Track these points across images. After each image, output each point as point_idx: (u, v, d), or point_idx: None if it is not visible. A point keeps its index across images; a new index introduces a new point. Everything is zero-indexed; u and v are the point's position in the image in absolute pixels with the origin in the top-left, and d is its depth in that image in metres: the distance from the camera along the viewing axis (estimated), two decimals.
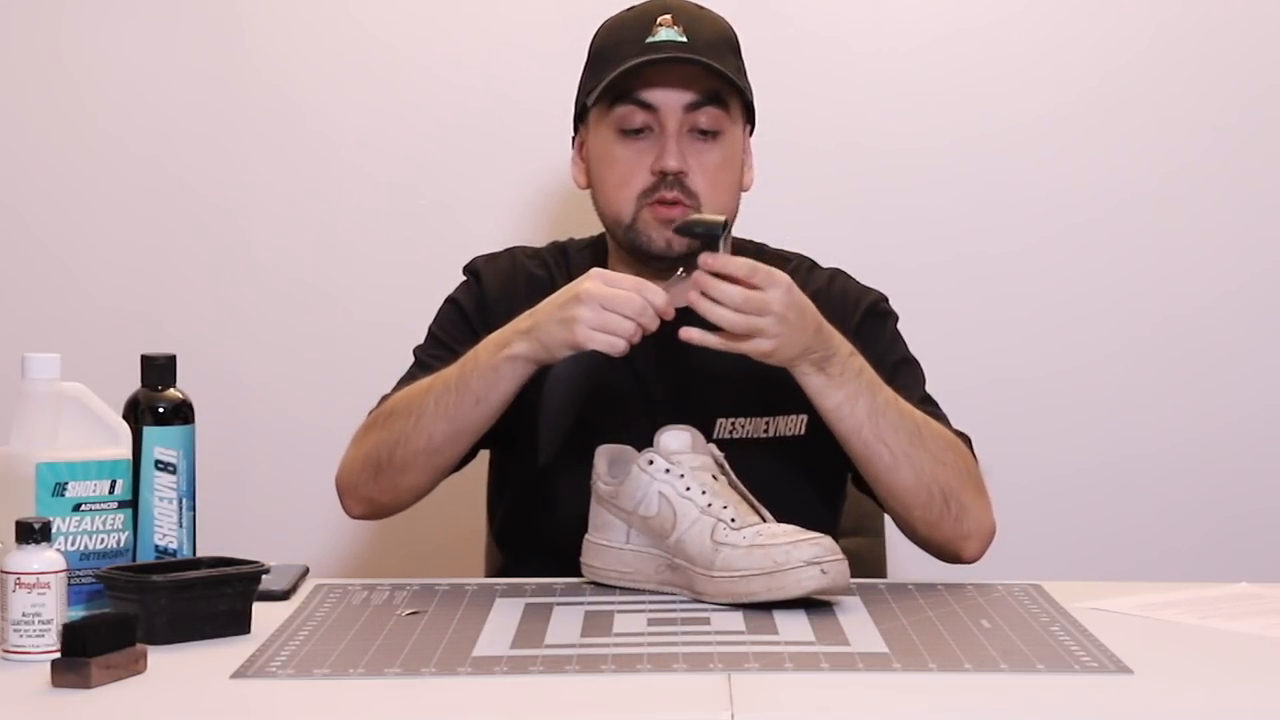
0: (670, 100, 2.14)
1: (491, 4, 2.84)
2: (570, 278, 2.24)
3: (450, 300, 2.28)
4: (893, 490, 2.06)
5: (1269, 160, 2.84)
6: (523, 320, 2.02)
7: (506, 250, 2.32)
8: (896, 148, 2.84)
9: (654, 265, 2.17)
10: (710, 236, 1.96)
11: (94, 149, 2.85)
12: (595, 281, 1.98)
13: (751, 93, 2.20)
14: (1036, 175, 2.84)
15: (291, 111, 2.85)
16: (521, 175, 2.84)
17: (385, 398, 2.21)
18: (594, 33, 2.23)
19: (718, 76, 2.13)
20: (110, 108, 2.85)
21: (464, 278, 2.30)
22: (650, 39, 2.14)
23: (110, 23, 2.84)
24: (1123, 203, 2.85)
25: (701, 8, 2.21)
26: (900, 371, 2.19)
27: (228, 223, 2.86)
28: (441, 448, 2.09)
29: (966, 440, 2.16)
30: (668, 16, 2.15)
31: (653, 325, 1.97)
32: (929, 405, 2.18)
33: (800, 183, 2.79)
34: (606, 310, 1.96)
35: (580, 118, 2.23)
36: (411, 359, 2.25)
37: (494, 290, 2.25)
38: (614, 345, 1.95)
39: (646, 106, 2.14)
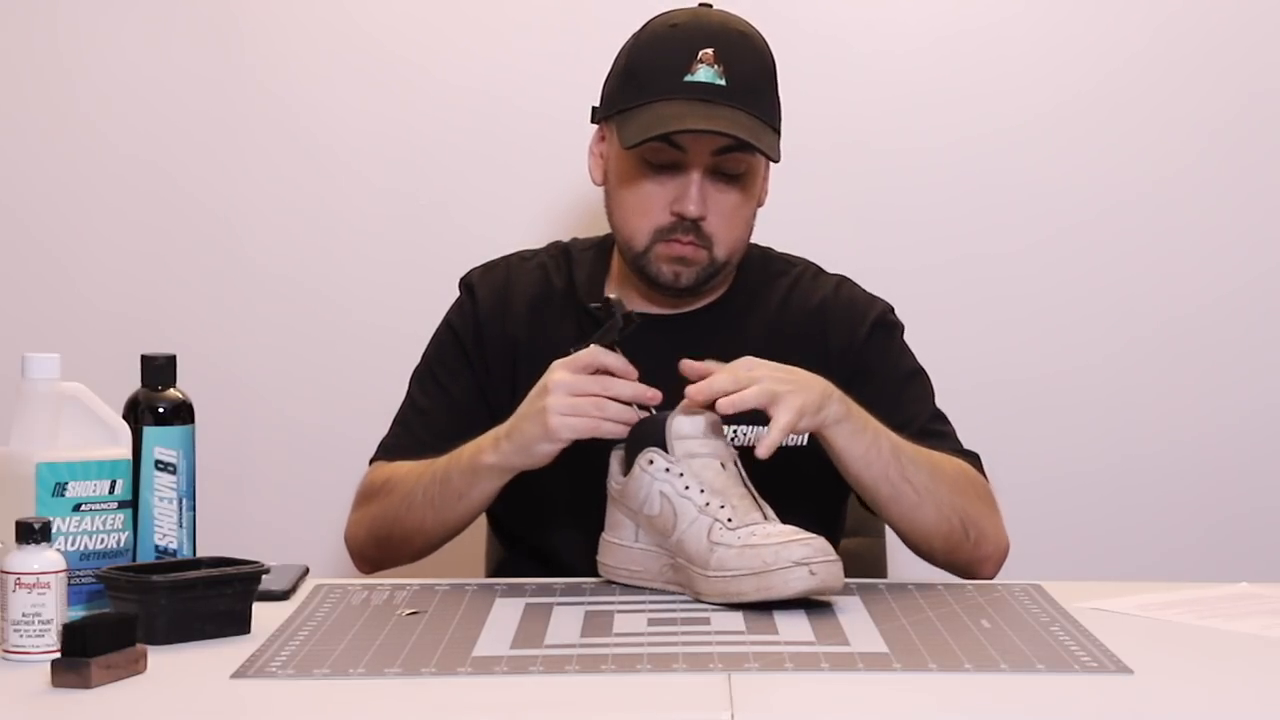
0: (700, 144, 2.12)
1: (490, 6, 2.84)
2: (572, 281, 2.24)
3: (446, 325, 2.28)
4: (917, 526, 2.07)
5: (1269, 161, 2.84)
6: (505, 426, 2.02)
7: (503, 260, 2.31)
8: (896, 148, 2.84)
9: (659, 291, 2.17)
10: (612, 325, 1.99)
11: (93, 152, 2.85)
12: (560, 371, 1.97)
13: (780, 123, 2.18)
14: (1036, 176, 2.84)
15: (288, 114, 2.85)
16: (519, 178, 2.84)
17: (383, 446, 2.23)
18: (632, 37, 2.20)
19: (751, 126, 2.11)
20: (109, 111, 2.85)
21: (459, 290, 2.30)
22: (689, 77, 2.11)
23: (108, 27, 2.84)
24: (1122, 203, 2.85)
25: (744, 33, 2.17)
26: (911, 385, 2.19)
27: (227, 224, 2.86)
28: (434, 534, 2.13)
29: (975, 458, 2.16)
30: (709, 52, 2.12)
31: (632, 394, 1.95)
32: (939, 422, 2.19)
33: (799, 183, 2.78)
34: (575, 396, 1.95)
35: (603, 115, 2.21)
36: (407, 382, 2.26)
37: (487, 307, 2.25)
38: (579, 429, 1.94)
39: (675, 146, 2.12)
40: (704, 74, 2.12)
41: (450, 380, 2.23)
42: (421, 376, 2.27)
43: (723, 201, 2.14)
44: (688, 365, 1.96)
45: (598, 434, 1.95)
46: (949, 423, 2.21)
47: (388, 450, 2.23)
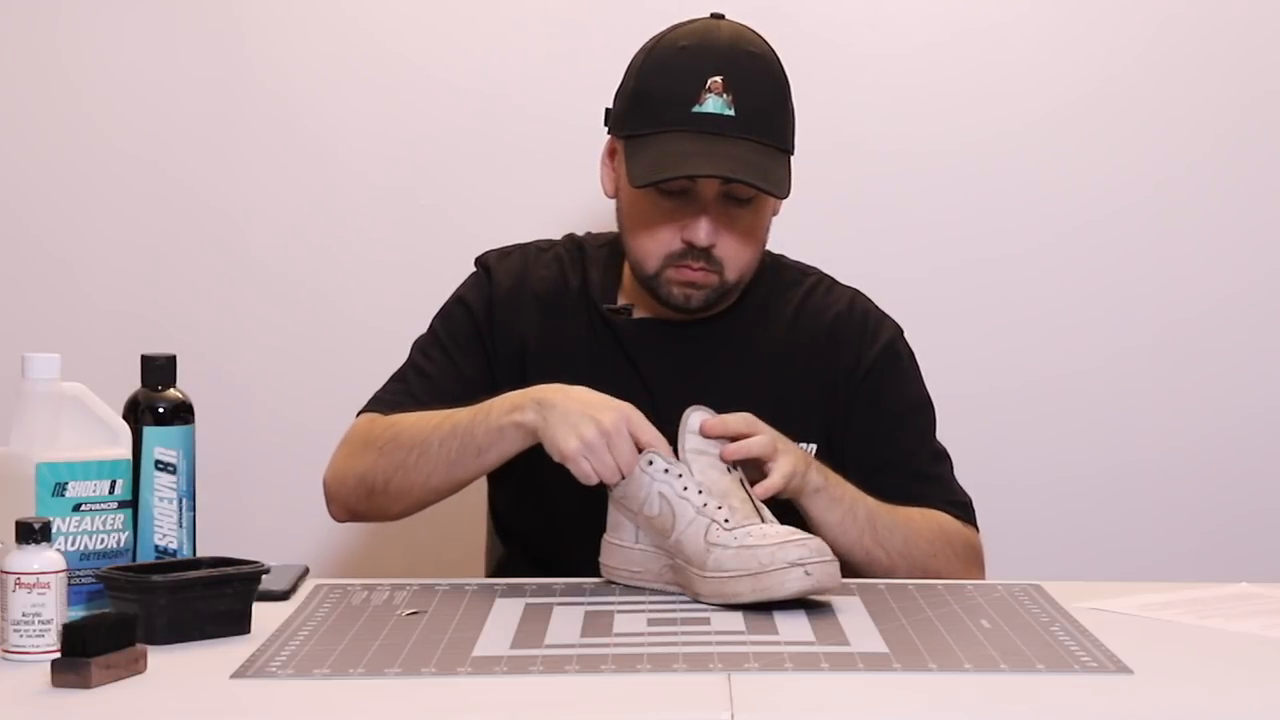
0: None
1: (491, 7, 2.84)
2: (586, 279, 2.24)
3: (459, 299, 2.27)
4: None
5: (1271, 163, 2.84)
6: (550, 391, 2.00)
7: (519, 249, 2.30)
8: (897, 150, 2.83)
9: (668, 308, 2.17)
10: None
11: (94, 151, 2.85)
12: (621, 422, 1.94)
13: (793, 139, 2.17)
14: (1037, 179, 2.84)
15: (289, 114, 2.85)
16: (521, 179, 2.84)
17: (376, 398, 2.20)
18: (642, 53, 2.18)
19: (758, 160, 2.11)
20: (109, 110, 2.85)
21: (474, 269, 2.29)
22: (697, 108, 2.10)
23: (109, 26, 2.84)
24: (1124, 206, 2.84)
25: (752, 54, 2.15)
26: (911, 420, 2.20)
27: (228, 224, 2.86)
28: (439, 488, 2.10)
29: (965, 507, 2.17)
30: (718, 81, 2.11)
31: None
32: (936, 464, 2.19)
33: (799, 185, 2.78)
34: (608, 452, 1.93)
35: (612, 127, 2.19)
36: (411, 350, 2.25)
37: (503, 290, 2.24)
38: (589, 478, 1.94)
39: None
40: (712, 104, 2.11)
41: (458, 351, 2.22)
42: (426, 343, 2.25)
43: (733, 227, 2.14)
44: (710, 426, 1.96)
45: (587, 479, 1.95)
46: (947, 462, 2.21)
47: (383, 404, 2.20)
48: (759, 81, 2.14)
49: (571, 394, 1.98)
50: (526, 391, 2.02)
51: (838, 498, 2.04)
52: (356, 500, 2.15)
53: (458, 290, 2.28)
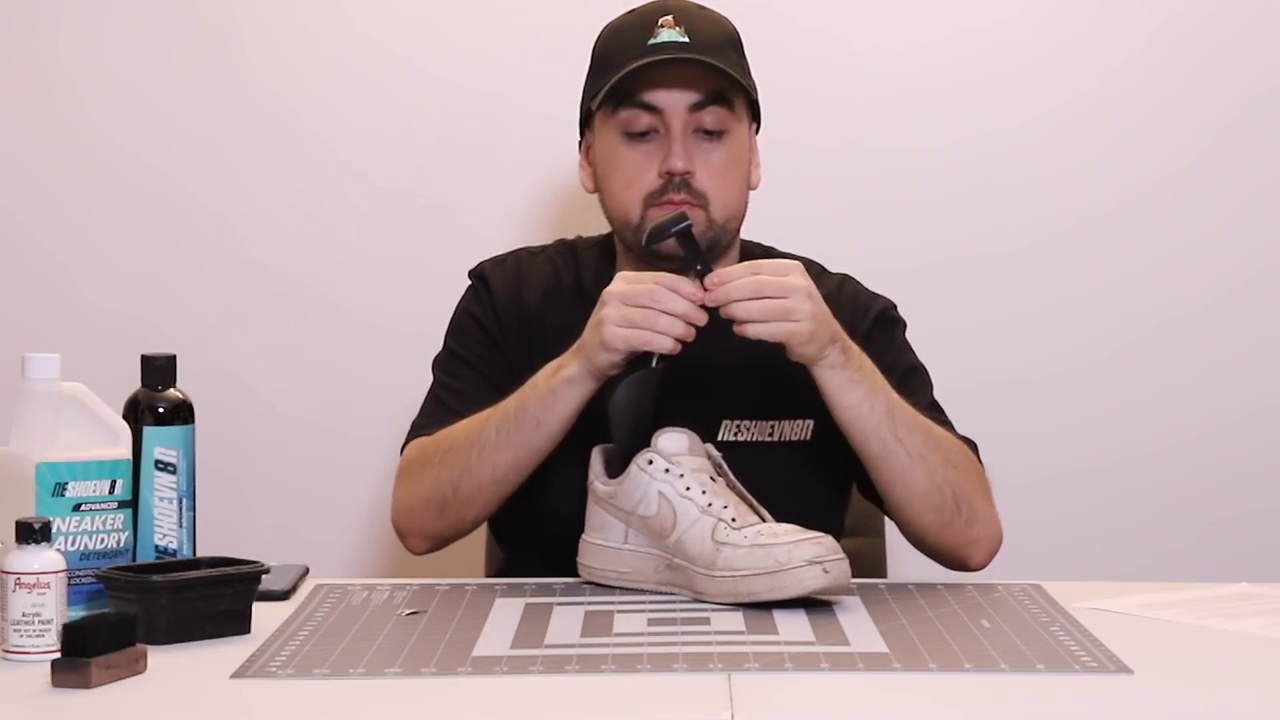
0: (674, 101, 2.14)
1: (490, 5, 2.84)
2: (579, 277, 2.25)
3: (465, 312, 2.27)
4: (907, 493, 2.06)
5: (1269, 161, 2.84)
6: (575, 343, 2.04)
7: (512, 254, 2.31)
8: (897, 148, 2.84)
9: (664, 267, 2.17)
10: (682, 233, 1.99)
11: (94, 152, 2.85)
12: (618, 282, 2.00)
13: (756, 91, 2.20)
14: (1037, 176, 2.84)
15: (289, 113, 2.85)
16: (520, 176, 2.84)
17: (417, 426, 2.20)
18: (596, 37, 2.23)
19: (720, 75, 2.13)
20: (109, 111, 2.85)
21: (470, 283, 2.30)
22: (652, 40, 2.14)
23: (108, 26, 2.84)
24: (1123, 204, 2.85)
25: (702, 7, 2.21)
26: (908, 379, 2.19)
27: (228, 225, 2.86)
28: (507, 476, 2.09)
29: (973, 446, 2.16)
30: (669, 17, 2.15)
31: (684, 310, 1.96)
32: (936, 412, 2.18)
33: (800, 182, 2.79)
34: (629, 306, 1.97)
35: (585, 122, 2.23)
36: (429, 372, 2.25)
37: (503, 295, 2.25)
38: (644, 340, 1.96)
39: (651, 109, 2.14)
40: (666, 35, 2.15)
41: (480, 362, 2.22)
42: (446, 363, 2.25)
43: (708, 158, 2.15)
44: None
45: (648, 347, 1.96)
46: (945, 414, 2.21)
47: (426, 427, 2.19)
48: (712, 28, 2.18)
49: (584, 333, 2.03)
50: (559, 357, 2.05)
51: (855, 381, 2.02)
52: (430, 521, 2.15)
53: (460, 305, 2.28)
